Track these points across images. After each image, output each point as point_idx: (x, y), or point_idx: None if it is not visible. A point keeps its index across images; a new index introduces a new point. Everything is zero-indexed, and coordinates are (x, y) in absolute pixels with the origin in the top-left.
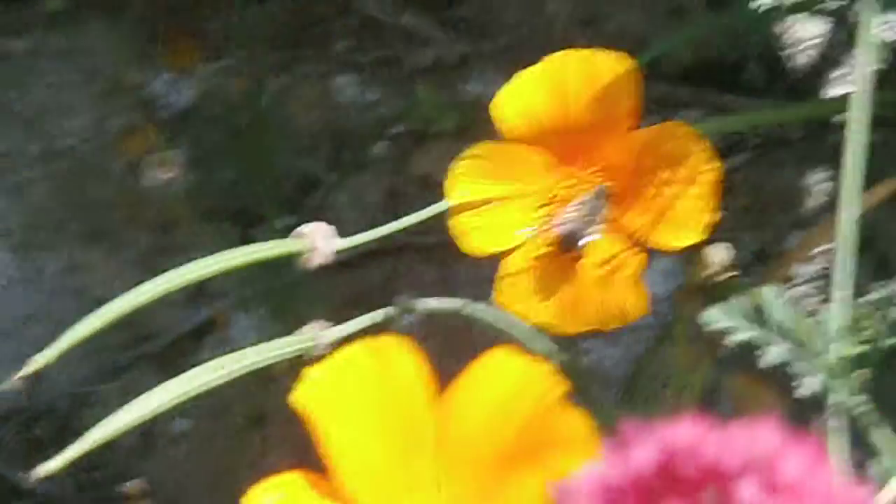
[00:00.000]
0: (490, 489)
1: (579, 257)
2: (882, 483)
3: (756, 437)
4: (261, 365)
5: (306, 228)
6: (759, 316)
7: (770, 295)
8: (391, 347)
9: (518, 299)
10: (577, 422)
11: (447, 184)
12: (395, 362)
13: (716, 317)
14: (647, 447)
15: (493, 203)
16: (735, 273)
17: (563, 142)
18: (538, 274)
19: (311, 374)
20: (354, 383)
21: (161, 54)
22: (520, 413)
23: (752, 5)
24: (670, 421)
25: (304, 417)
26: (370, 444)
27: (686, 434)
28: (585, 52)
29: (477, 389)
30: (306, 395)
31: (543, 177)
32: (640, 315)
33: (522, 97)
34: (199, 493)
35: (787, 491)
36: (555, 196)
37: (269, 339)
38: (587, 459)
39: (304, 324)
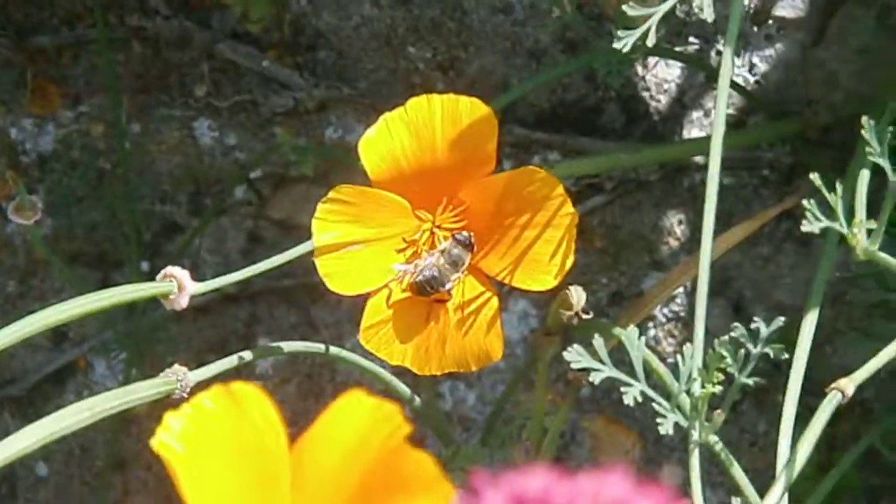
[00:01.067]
0: None
1: (440, 301)
2: None
3: (606, 485)
4: (124, 407)
5: (167, 272)
6: (617, 357)
7: (628, 336)
8: (245, 394)
9: (380, 343)
10: (421, 463)
11: (312, 226)
12: (249, 408)
13: (576, 357)
14: (496, 496)
15: (355, 245)
16: (590, 315)
17: (425, 185)
18: (399, 317)
19: (169, 420)
20: (210, 430)
21: (23, 100)
22: (368, 456)
23: (615, 45)
24: (521, 469)
25: (163, 462)
26: (226, 489)
27: (536, 483)
28: (446, 97)
29: (328, 433)
30: (165, 441)
31: (405, 220)
32: (496, 358)
33: (385, 140)
34: None
35: None
36: (415, 239)
37: (129, 383)
38: (433, 501)
39: (164, 368)
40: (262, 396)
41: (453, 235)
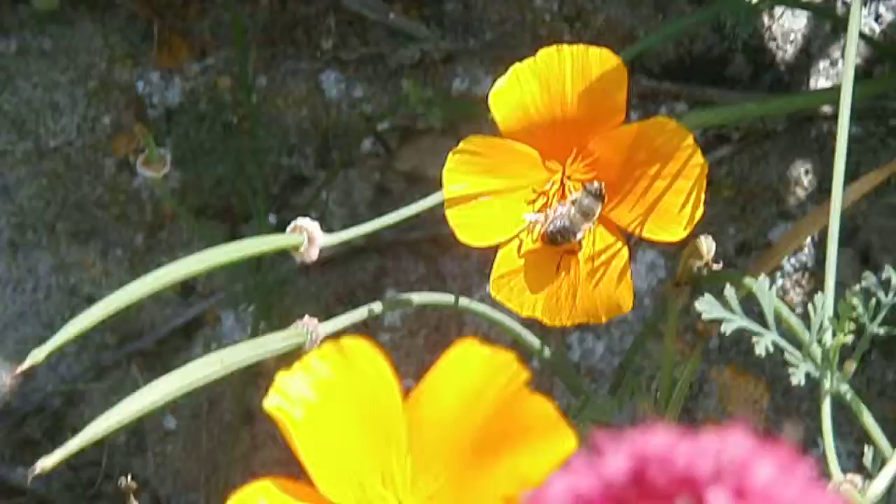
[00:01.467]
0: (464, 480)
1: (570, 252)
2: (875, 469)
3: (727, 444)
4: (252, 360)
5: (296, 224)
6: (746, 307)
7: (760, 286)
8: (356, 349)
9: (510, 293)
10: (540, 408)
11: (443, 177)
12: (360, 364)
13: (708, 307)
14: (618, 455)
15: (485, 196)
16: (721, 265)
17: (554, 136)
18: (530, 267)
19: (280, 380)
20: (322, 387)
21: (150, 54)
22: (485, 404)
23: None
24: (643, 427)
25: (278, 422)
26: (342, 445)
27: (657, 442)
28: (576, 48)
29: (444, 383)
30: (277, 403)
31: (535, 171)
32: (627, 309)
33: (515, 91)
34: (190, 490)
35: (757, 497)
36: (546, 190)
37: (258, 336)
38: (553, 444)
39: (293, 321)
40: (373, 351)
41: (584, 186)
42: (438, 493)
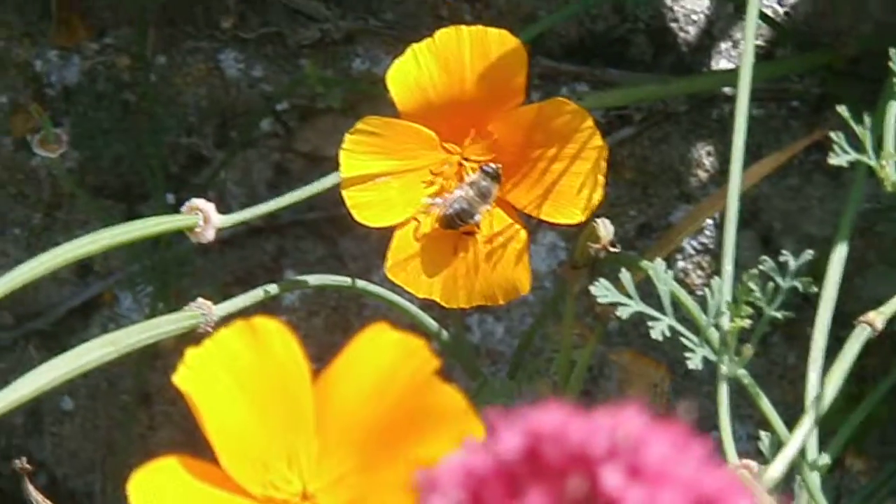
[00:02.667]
0: (370, 465)
1: (468, 234)
2: (774, 452)
3: (621, 422)
4: (149, 341)
5: (192, 204)
6: (647, 289)
7: (656, 269)
8: (267, 328)
9: (407, 275)
10: (449, 397)
11: (340, 158)
12: (271, 343)
13: (604, 291)
14: (511, 433)
15: (383, 177)
16: (619, 248)
17: (453, 117)
18: (427, 249)
19: (191, 355)
20: (232, 364)
21: (48, 32)
22: (394, 389)
23: None
24: (537, 405)
25: (186, 398)
26: (249, 423)
27: (551, 420)
28: (475, 28)
29: (353, 366)
30: (187, 376)
31: (433, 152)
32: (525, 291)
33: (413, 71)
34: (87, 471)
35: (651, 476)
36: (443, 172)
37: (155, 316)
38: (461, 434)
39: (190, 301)
40: (285, 330)
41: (481, 167)
42: (344, 477)
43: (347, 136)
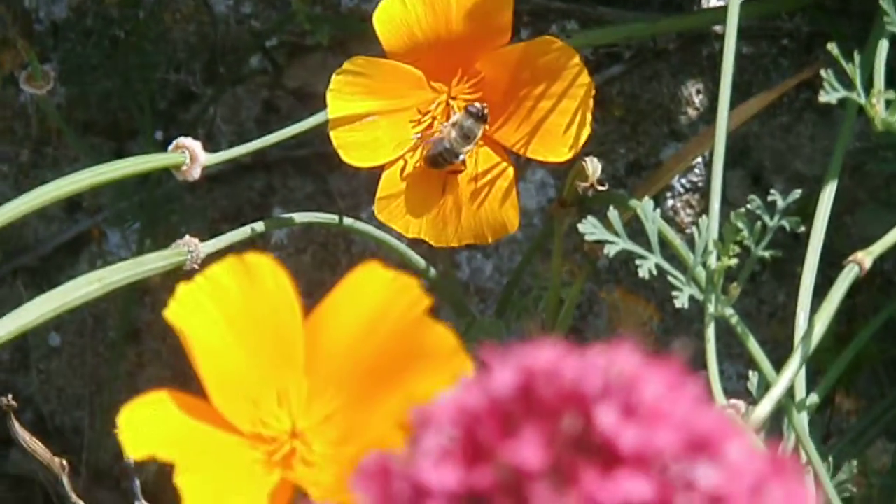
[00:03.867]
0: (360, 403)
1: (455, 172)
2: (760, 393)
3: (615, 361)
4: (136, 278)
5: (178, 142)
6: (636, 227)
7: (644, 208)
8: (259, 265)
9: (396, 214)
10: (440, 336)
11: (327, 98)
12: (263, 279)
13: (591, 229)
14: (504, 371)
15: (370, 117)
16: (607, 186)
17: (440, 56)
18: (415, 189)
19: (183, 290)
20: (223, 300)
21: None
22: (385, 328)
23: None
24: (531, 342)
25: (177, 333)
26: (240, 359)
27: (544, 357)
28: None
29: (344, 305)
30: (178, 312)
31: (420, 91)
32: (513, 229)
33: (399, 11)
34: (74, 408)
35: (646, 414)
36: (431, 111)
37: (143, 253)
38: (452, 373)
39: (178, 238)
40: (276, 267)
41: (465, 107)
42: (333, 415)
43: (334, 77)
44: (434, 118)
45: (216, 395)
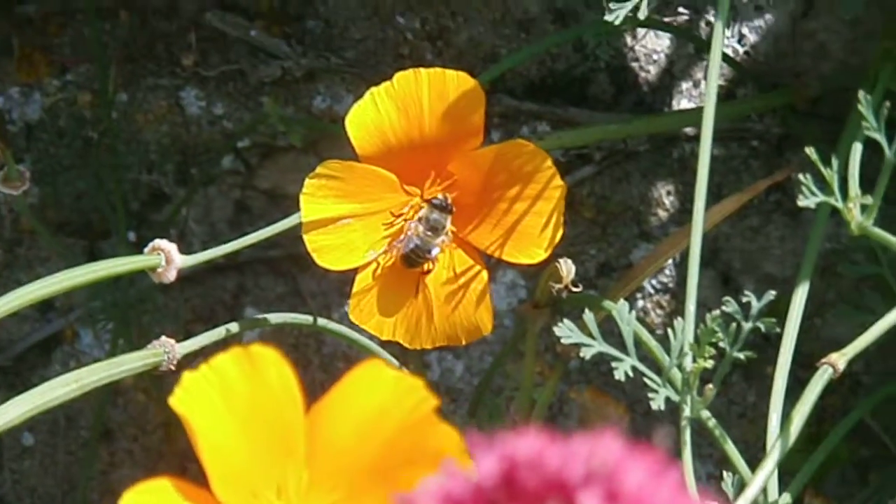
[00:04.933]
0: (359, 498)
1: (427, 273)
2: (737, 493)
3: (598, 449)
4: (111, 379)
5: (154, 245)
6: (606, 328)
7: (619, 311)
8: (263, 357)
9: (370, 315)
10: (446, 436)
11: (300, 202)
12: (267, 371)
13: (567, 332)
14: (489, 459)
15: (344, 220)
16: (580, 287)
17: (413, 159)
18: (388, 291)
19: (188, 379)
20: (227, 390)
21: (9, 69)
22: (389, 425)
23: (606, 18)
24: (513, 433)
25: (182, 421)
26: (241, 449)
27: (528, 445)
28: (433, 71)
29: (347, 400)
30: (184, 400)
31: (393, 194)
32: (487, 331)
33: (372, 115)
34: None
35: (628, 501)
36: (403, 213)
37: (116, 353)
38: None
39: (151, 337)
40: (281, 360)
41: (429, 201)
42: None
43: (307, 181)
44: (407, 220)
45: (217, 483)
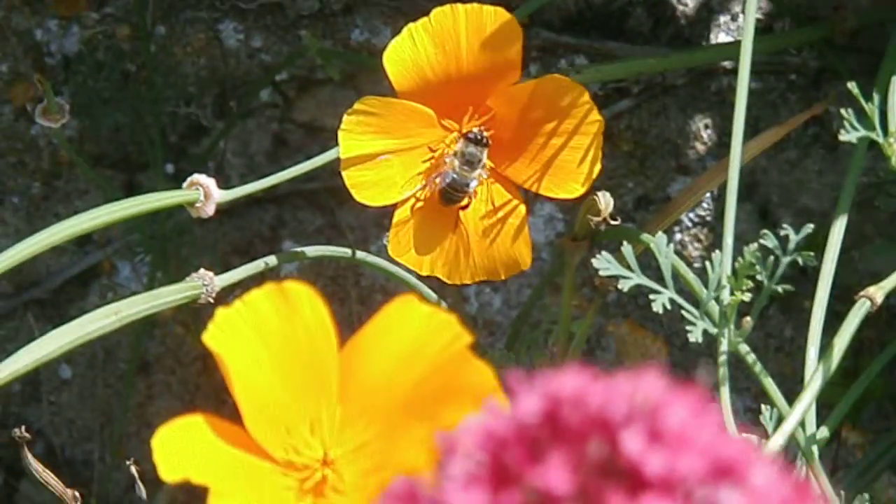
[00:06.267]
0: (393, 434)
1: (465, 207)
2: (774, 427)
3: (640, 387)
4: (150, 312)
5: (193, 179)
6: (643, 261)
7: (658, 243)
8: (297, 293)
9: (408, 250)
10: (480, 372)
11: (339, 138)
12: (301, 307)
13: (605, 264)
14: (531, 397)
15: (382, 156)
16: (619, 221)
17: (451, 94)
18: (426, 226)
19: (222, 315)
20: (261, 326)
21: (48, 2)
22: (423, 362)
23: None
24: (554, 370)
25: (215, 357)
26: (275, 386)
27: (570, 384)
28: (470, 6)
29: (381, 337)
30: (217, 336)
31: (431, 130)
32: (526, 266)
33: (409, 51)
34: (85, 440)
35: (671, 440)
36: (441, 149)
37: (154, 285)
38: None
39: (189, 270)
40: (315, 296)
41: (464, 134)
42: (366, 445)
43: (346, 117)
44: (443, 155)
45: (250, 420)
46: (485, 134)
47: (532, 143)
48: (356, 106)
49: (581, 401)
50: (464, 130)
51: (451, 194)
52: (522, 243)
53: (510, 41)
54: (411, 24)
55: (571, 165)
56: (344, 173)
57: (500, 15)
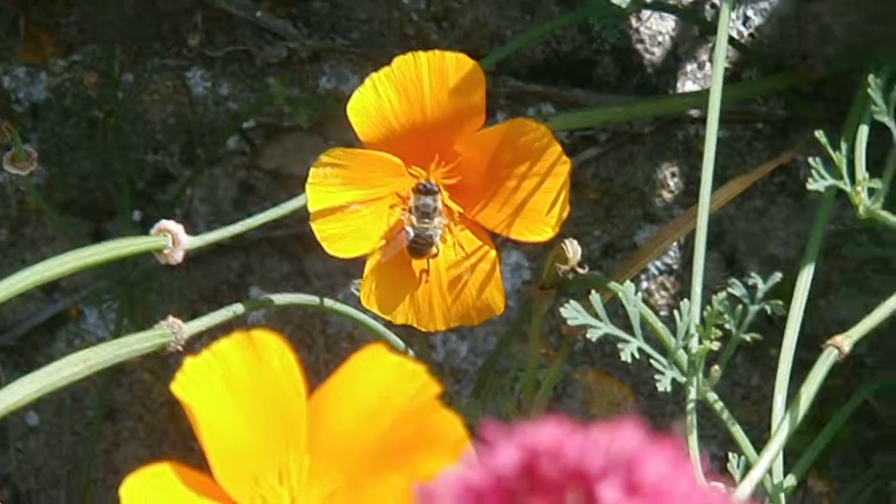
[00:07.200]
0: (360, 485)
1: (435, 256)
2: (742, 474)
3: (618, 439)
4: (118, 360)
5: (161, 226)
6: (611, 309)
7: (626, 292)
8: (265, 342)
9: (381, 301)
10: (448, 423)
11: (306, 191)
12: (269, 357)
13: (573, 314)
14: (508, 448)
15: (351, 207)
16: (586, 268)
17: (417, 142)
18: (398, 276)
19: (190, 365)
20: (229, 376)
21: (15, 49)
22: (391, 411)
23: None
24: (530, 422)
25: (183, 406)
26: (243, 435)
27: (548, 435)
28: (432, 54)
29: (349, 386)
30: (186, 386)
31: (399, 178)
32: (499, 311)
33: (373, 101)
34: (52, 486)
35: (648, 492)
36: (406, 197)
37: (121, 332)
38: (457, 460)
39: (156, 317)
40: (283, 346)
41: (414, 189)
42: (334, 495)
43: (312, 170)
44: (402, 213)
45: (219, 469)
46: (432, 182)
47: (502, 187)
48: (322, 158)
49: (558, 453)
50: (432, 178)
51: (419, 248)
52: (494, 288)
53: (473, 87)
54: (374, 74)
55: (542, 208)
56: (314, 226)
57: (462, 61)
